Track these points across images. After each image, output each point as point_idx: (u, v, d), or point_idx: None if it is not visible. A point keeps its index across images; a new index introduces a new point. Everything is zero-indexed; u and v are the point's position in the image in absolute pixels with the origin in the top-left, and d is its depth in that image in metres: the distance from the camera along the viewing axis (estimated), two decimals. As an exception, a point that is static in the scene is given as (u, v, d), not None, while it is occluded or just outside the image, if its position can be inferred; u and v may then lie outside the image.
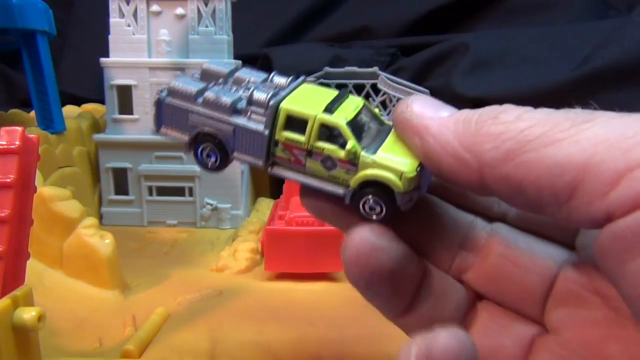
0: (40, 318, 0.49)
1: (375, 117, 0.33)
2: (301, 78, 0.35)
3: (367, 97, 1.30)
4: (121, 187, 1.21)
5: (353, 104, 0.33)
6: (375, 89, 1.29)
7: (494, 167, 0.26)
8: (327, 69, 1.33)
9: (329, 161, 0.31)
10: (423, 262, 0.32)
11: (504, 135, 0.26)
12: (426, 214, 0.33)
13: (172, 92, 0.33)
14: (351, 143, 0.30)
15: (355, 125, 0.31)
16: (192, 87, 0.32)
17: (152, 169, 1.18)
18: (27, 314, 0.48)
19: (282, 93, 0.32)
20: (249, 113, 0.32)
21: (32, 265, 0.68)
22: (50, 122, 1.06)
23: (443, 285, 0.32)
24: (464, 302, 0.33)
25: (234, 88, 0.33)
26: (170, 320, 0.78)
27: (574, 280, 0.29)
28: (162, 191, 1.20)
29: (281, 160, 0.32)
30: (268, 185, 1.34)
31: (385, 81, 1.26)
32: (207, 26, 1.16)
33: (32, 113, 1.10)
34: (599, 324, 0.28)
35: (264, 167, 0.32)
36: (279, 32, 1.64)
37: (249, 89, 0.33)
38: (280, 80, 0.34)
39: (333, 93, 0.33)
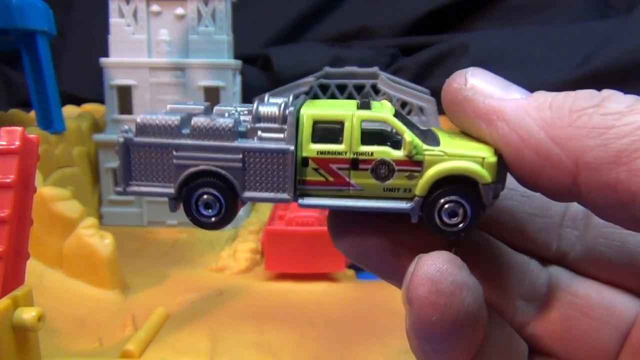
0: (40, 318, 0.49)
1: (410, 121, 0.27)
2: (302, 98, 0.27)
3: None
4: (121, 187, 1.21)
5: (384, 106, 0.26)
6: (375, 89, 1.29)
7: (597, 170, 0.21)
8: (327, 69, 1.33)
9: (382, 168, 0.24)
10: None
11: (614, 130, 0.20)
12: (483, 258, 0.27)
13: (143, 128, 0.24)
14: (409, 135, 0.24)
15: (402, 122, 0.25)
16: (172, 117, 0.24)
17: (152, 169, 1.18)
18: (27, 314, 0.48)
19: (296, 101, 0.25)
20: (257, 133, 0.24)
21: (32, 265, 0.68)
22: (50, 122, 1.06)
23: (508, 337, 0.26)
24: (525, 357, 0.26)
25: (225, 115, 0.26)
26: (170, 320, 0.78)
27: None
28: (162, 191, 1.20)
29: (314, 185, 0.24)
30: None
31: (386, 81, 1.26)
32: (207, 26, 1.16)
33: (32, 113, 1.10)
34: None
35: (292, 199, 0.25)
36: (279, 32, 1.65)
37: (243, 114, 0.26)
38: (270, 110, 0.25)
39: (352, 100, 0.26)
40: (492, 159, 0.23)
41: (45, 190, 0.82)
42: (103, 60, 1.16)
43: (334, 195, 0.25)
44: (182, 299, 0.85)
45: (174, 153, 0.24)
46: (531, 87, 0.24)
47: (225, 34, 1.17)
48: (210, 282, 0.92)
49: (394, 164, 0.24)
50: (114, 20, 1.15)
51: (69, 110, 1.24)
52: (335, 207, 0.25)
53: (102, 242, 0.83)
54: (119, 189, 0.25)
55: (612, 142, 0.20)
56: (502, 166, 0.24)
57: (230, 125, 0.24)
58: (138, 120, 0.24)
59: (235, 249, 1.01)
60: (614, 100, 0.21)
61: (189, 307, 0.83)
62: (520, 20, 1.57)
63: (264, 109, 0.24)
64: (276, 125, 0.24)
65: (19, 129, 0.48)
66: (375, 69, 1.31)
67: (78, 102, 1.36)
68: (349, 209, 0.24)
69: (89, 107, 1.34)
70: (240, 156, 0.24)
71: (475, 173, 0.23)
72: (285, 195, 0.24)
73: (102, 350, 0.71)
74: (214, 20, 1.16)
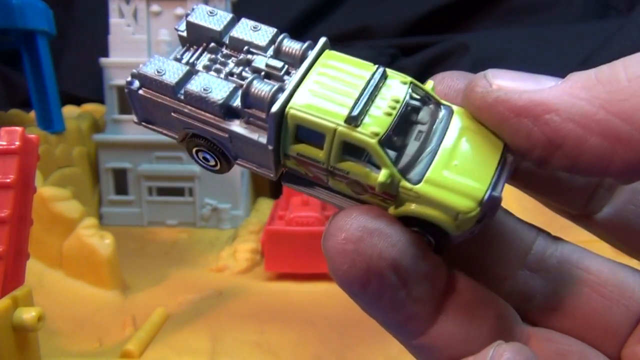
0: (40, 318, 0.49)
1: (427, 98, 0.24)
2: (321, 42, 0.25)
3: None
4: (121, 187, 1.21)
5: (393, 91, 0.23)
6: (375, 89, 1.29)
7: None
8: (327, 69, 1.33)
9: (357, 186, 0.22)
10: (445, 265, 0.24)
11: None
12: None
13: (145, 80, 0.24)
14: (385, 173, 0.21)
15: (397, 131, 0.22)
16: (169, 76, 0.23)
17: (152, 169, 1.18)
18: (27, 314, 0.48)
19: (291, 84, 0.23)
20: (246, 116, 0.23)
21: (32, 266, 0.68)
22: (50, 122, 1.06)
23: (476, 297, 0.24)
24: (507, 324, 0.24)
25: (227, 66, 0.25)
26: (170, 320, 0.78)
27: None
28: (162, 191, 1.20)
29: (297, 172, 0.24)
30: (268, 185, 1.34)
31: (385, 81, 1.26)
32: (207, 26, 1.16)
33: (32, 113, 1.10)
34: None
35: (276, 179, 0.24)
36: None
37: (248, 63, 0.24)
38: (292, 47, 0.24)
39: (364, 74, 0.23)
40: (469, 213, 0.21)
41: (45, 190, 0.82)
42: (103, 60, 1.16)
43: (315, 184, 0.24)
44: (182, 299, 0.85)
45: (172, 113, 0.24)
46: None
47: (225, 34, 1.17)
48: (210, 282, 0.92)
49: (368, 187, 0.22)
50: (114, 20, 1.15)
51: (69, 110, 1.24)
52: (314, 196, 0.24)
53: (102, 242, 0.83)
54: (135, 120, 0.25)
55: None
56: (497, 190, 0.22)
57: (218, 103, 0.22)
58: (141, 69, 0.23)
59: (235, 249, 1.01)
60: None
61: (189, 307, 0.83)
62: (520, 21, 1.56)
63: (255, 88, 0.22)
64: (262, 114, 0.22)
65: (19, 129, 0.49)
66: (375, 69, 1.31)
67: (78, 102, 1.36)
68: (328, 202, 0.24)
69: (89, 107, 1.34)
70: (227, 135, 0.23)
71: (443, 224, 0.21)
72: (270, 174, 0.24)
73: (102, 350, 0.71)
74: (214, 20, 1.16)
